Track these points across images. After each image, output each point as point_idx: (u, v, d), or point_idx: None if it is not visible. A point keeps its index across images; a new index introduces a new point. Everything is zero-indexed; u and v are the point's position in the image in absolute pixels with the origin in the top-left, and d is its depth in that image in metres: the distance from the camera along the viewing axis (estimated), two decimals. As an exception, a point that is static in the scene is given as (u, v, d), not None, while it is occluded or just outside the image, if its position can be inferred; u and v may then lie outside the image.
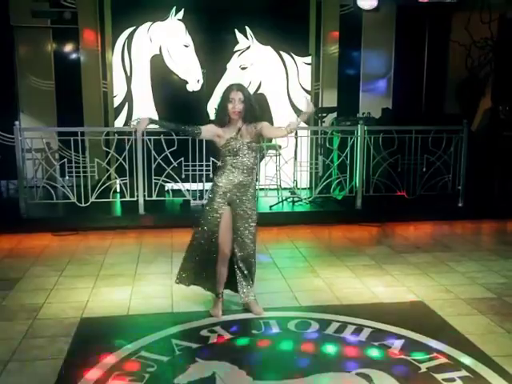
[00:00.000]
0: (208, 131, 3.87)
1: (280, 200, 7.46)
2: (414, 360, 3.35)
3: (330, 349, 3.55)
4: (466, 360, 3.35)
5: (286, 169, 7.51)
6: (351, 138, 7.25)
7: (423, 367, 3.27)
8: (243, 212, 3.90)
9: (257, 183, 6.95)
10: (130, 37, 8.28)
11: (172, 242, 6.20)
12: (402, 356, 3.41)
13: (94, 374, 3.18)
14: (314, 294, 4.57)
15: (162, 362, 3.34)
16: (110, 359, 3.35)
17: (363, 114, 8.44)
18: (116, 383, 3.09)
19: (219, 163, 4.07)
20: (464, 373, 3.21)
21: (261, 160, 7.35)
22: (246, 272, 3.98)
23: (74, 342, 3.61)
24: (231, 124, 3.84)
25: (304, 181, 7.86)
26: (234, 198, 3.87)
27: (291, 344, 3.63)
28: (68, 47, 8.71)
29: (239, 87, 3.80)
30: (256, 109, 3.84)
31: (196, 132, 3.87)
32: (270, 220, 6.95)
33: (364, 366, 3.28)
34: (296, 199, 7.55)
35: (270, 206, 7.30)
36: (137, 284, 4.81)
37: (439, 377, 3.16)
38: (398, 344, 3.57)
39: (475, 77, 9.06)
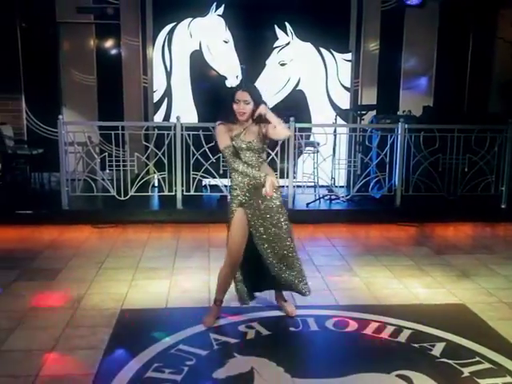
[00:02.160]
0: (227, 144, 3.68)
1: (317, 198, 7.42)
2: (456, 364, 3.28)
3: (369, 349, 3.52)
4: (511, 366, 3.26)
5: (324, 166, 7.46)
6: (391, 136, 7.15)
7: (466, 371, 3.19)
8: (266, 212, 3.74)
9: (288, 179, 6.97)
10: (171, 32, 8.34)
11: (209, 237, 6.24)
12: (444, 359, 3.34)
13: (133, 365, 3.22)
14: (352, 293, 4.52)
15: (201, 355, 3.36)
16: (149, 351, 3.39)
17: (403, 111, 8.32)
18: (155, 375, 3.12)
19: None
20: (509, 379, 3.12)
21: (298, 157, 7.33)
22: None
23: (114, 332, 3.67)
24: (239, 125, 3.71)
25: (342, 179, 7.80)
26: (248, 200, 3.72)
27: (329, 343, 3.62)
28: (110, 43, 8.84)
29: (246, 88, 3.68)
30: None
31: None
32: (307, 217, 6.94)
33: (404, 367, 3.22)
34: (333, 197, 7.50)
35: (307, 204, 7.26)
36: (175, 278, 4.85)
37: (483, 382, 3.09)
38: (439, 347, 3.50)
39: (521, 75, 8.82)
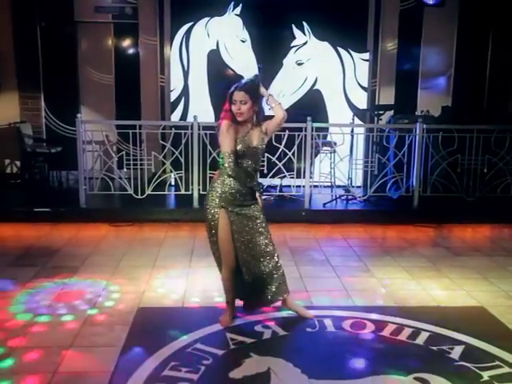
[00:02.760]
0: (233, 145, 3.56)
1: (334, 198, 7.38)
2: (476, 367, 3.24)
3: (386, 351, 3.48)
4: (531, 370, 3.22)
5: (341, 166, 7.42)
6: (409, 137, 7.09)
7: (485, 375, 3.15)
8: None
9: (305, 179, 6.95)
10: (188, 32, 8.37)
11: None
12: (463, 362, 3.30)
13: (150, 363, 3.23)
14: (369, 295, 4.49)
15: (217, 355, 3.35)
16: (166, 350, 3.39)
17: (421, 111, 8.25)
18: (172, 374, 3.13)
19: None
20: (529, 383, 3.08)
21: (315, 156, 7.30)
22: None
23: (131, 330, 3.68)
24: (243, 126, 3.62)
25: (359, 179, 7.76)
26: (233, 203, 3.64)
27: (346, 344, 3.58)
28: (128, 42, 8.89)
29: (243, 87, 3.55)
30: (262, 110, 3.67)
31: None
32: (324, 218, 6.93)
33: (422, 370, 3.19)
34: (350, 197, 7.46)
35: (324, 204, 7.24)
36: (191, 277, 4.86)
37: (502, 386, 3.05)
38: (457, 350, 3.46)
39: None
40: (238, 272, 3.78)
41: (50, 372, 3.12)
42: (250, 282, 3.76)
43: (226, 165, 3.57)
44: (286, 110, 3.74)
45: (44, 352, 3.37)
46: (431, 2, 8.36)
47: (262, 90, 3.66)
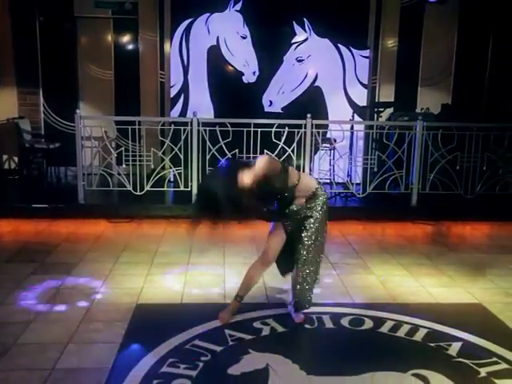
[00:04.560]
0: None
1: (333, 195, 7.38)
2: (473, 364, 3.24)
3: (385, 347, 3.49)
4: (529, 367, 3.22)
5: (341, 163, 7.42)
6: (409, 134, 7.08)
7: (483, 372, 3.15)
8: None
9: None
10: (188, 28, 8.36)
11: (224, 232, 6.21)
12: (461, 359, 3.30)
13: (149, 359, 3.23)
14: (368, 291, 4.49)
15: (216, 351, 3.35)
16: (164, 346, 3.39)
17: (421, 109, 8.25)
18: (170, 370, 3.12)
19: None
20: (527, 380, 3.08)
21: (315, 153, 7.30)
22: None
23: (129, 327, 3.67)
24: None
25: (358, 176, 7.75)
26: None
27: (345, 341, 3.58)
28: (127, 38, 8.87)
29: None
30: None
31: None
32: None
33: (420, 366, 3.18)
34: (349, 194, 7.45)
35: (323, 201, 7.21)
36: (190, 273, 4.85)
37: (500, 383, 3.04)
38: (455, 346, 3.46)
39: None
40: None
41: (47, 369, 3.12)
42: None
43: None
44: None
45: (42, 348, 3.36)
46: (432, 0, 8.33)
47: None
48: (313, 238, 3.65)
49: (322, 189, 3.77)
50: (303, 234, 3.64)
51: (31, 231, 6.23)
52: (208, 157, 6.90)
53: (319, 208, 3.67)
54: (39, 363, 3.19)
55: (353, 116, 8.18)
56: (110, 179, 7.06)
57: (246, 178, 3.17)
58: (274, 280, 4.33)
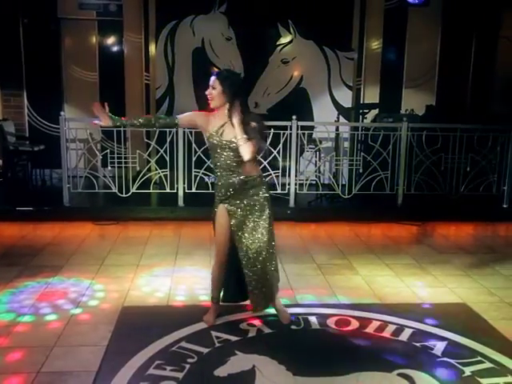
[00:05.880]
0: (183, 119, 3.68)
1: (319, 196, 7.40)
2: (458, 363, 3.28)
3: (370, 348, 3.51)
4: (513, 366, 3.26)
5: (326, 165, 7.45)
6: (393, 135, 7.14)
7: (467, 371, 3.19)
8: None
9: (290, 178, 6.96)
10: (173, 29, 8.35)
11: (210, 234, 6.09)
12: (445, 358, 3.34)
13: (135, 362, 3.22)
14: (354, 292, 4.52)
15: (202, 353, 3.35)
16: (150, 348, 3.38)
17: (406, 110, 8.31)
18: (157, 372, 3.12)
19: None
20: (510, 378, 3.13)
21: (301, 155, 7.32)
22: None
23: (115, 330, 3.66)
24: (216, 119, 3.57)
25: (344, 177, 7.78)
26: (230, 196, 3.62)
27: (330, 341, 3.61)
28: (112, 39, 8.82)
29: (217, 74, 3.54)
30: (228, 95, 3.47)
31: (175, 122, 3.68)
32: (309, 216, 6.94)
33: (405, 366, 3.22)
34: (335, 195, 7.48)
35: (309, 202, 7.26)
36: (176, 275, 4.85)
37: (484, 381, 3.09)
38: (440, 346, 3.50)
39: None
40: (232, 272, 3.74)
41: (33, 372, 3.10)
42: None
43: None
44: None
45: (27, 352, 3.34)
46: (415, 2, 8.40)
47: (235, 120, 3.47)
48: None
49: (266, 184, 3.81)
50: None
51: (16, 234, 6.17)
52: (194, 159, 6.89)
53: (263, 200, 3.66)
54: (25, 366, 3.17)
55: (338, 117, 8.22)
56: (95, 181, 7.02)
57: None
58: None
